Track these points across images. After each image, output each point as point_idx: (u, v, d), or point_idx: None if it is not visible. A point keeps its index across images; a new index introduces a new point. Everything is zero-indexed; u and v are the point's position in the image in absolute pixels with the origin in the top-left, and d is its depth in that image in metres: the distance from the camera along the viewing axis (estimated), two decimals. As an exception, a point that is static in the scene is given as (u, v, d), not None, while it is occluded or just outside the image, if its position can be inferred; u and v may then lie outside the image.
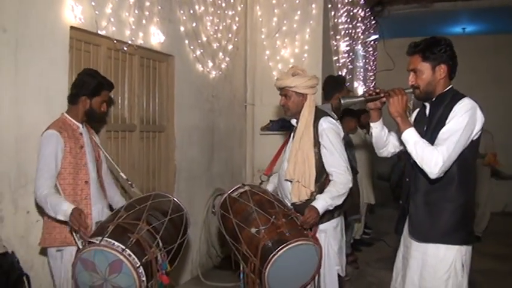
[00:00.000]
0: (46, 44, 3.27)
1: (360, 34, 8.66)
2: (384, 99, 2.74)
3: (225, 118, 5.92)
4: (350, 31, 7.84)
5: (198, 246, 5.29)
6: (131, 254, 2.60)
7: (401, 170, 5.94)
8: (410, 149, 2.58)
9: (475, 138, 2.60)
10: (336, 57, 7.07)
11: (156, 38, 4.45)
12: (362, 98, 2.86)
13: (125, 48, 4.07)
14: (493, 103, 8.92)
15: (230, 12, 5.90)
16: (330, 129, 3.25)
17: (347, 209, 3.60)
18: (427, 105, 2.78)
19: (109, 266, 2.56)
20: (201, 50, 5.27)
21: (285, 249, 2.80)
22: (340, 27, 7.23)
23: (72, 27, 3.46)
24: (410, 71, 2.73)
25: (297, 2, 6.26)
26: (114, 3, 3.85)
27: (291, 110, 3.37)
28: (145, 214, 2.88)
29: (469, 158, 2.62)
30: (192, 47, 5.09)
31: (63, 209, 2.75)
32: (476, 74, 9.46)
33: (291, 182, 3.30)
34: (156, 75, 4.73)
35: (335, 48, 7.00)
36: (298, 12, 6.23)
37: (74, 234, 2.77)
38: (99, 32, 3.71)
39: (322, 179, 3.28)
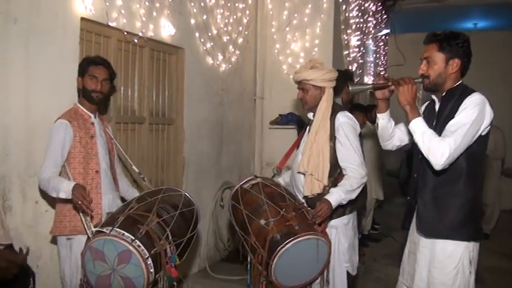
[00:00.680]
0: (56, 35, 3.28)
1: (371, 28, 8.61)
2: (393, 87, 2.72)
3: (234, 112, 5.91)
4: (361, 25, 7.79)
5: (206, 239, 5.30)
6: (140, 245, 2.61)
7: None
8: (417, 138, 2.56)
9: (483, 133, 2.58)
10: (347, 52, 7.03)
11: (166, 30, 4.45)
12: (370, 86, 2.86)
13: (135, 41, 4.07)
14: (503, 99, 8.86)
15: (241, 5, 5.88)
16: (347, 123, 3.25)
17: (361, 206, 3.59)
18: (436, 100, 2.75)
19: (118, 256, 2.58)
20: (211, 43, 5.26)
21: (292, 242, 2.79)
22: (351, 21, 7.19)
23: (82, 19, 3.47)
24: (423, 59, 2.70)
25: (308, -5, 6.22)
26: (124, -5, 3.85)
27: (308, 103, 3.36)
28: (156, 207, 2.89)
29: (477, 153, 2.60)
30: (202, 40, 5.09)
31: (65, 185, 2.78)
32: (487, 70, 9.35)
33: (304, 174, 3.29)
34: (166, 67, 4.72)
35: (346, 42, 6.95)
36: (309, 6, 6.19)
37: (83, 221, 2.78)
38: (110, 24, 3.71)
39: (336, 173, 3.27)
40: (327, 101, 3.30)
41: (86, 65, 3.13)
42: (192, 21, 4.89)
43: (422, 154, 2.59)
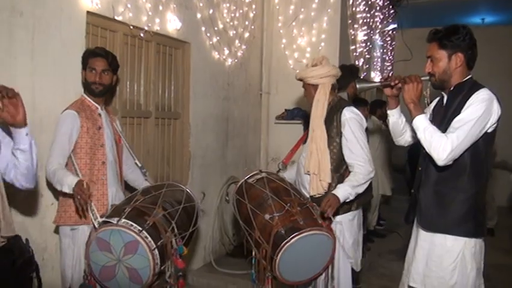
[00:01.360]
0: (62, 28, 3.29)
1: (378, 23, 8.56)
2: (400, 85, 2.72)
3: (240, 106, 5.91)
4: (368, 20, 7.75)
5: (211, 233, 5.32)
6: (148, 236, 2.63)
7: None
8: (420, 135, 2.58)
9: (490, 130, 2.57)
10: (353, 47, 7.00)
11: (172, 24, 4.44)
12: (378, 83, 2.88)
13: (142, 35, 4.07)
14: (511, 94, 8.79)
15: (247, 0, 5.86)
16: (353, 119, 3.23)
17: (366, 202, 3.58)
18: (445, 95, 2.75)
19: (124, 246, 2.59)
20: (217, 38, 5.25)
21: (297, 237, 2.79)
22: (358, 16, 7.15)
23: (88, 13, 3.47)
24: (427, 57, 2.71)
25: (315, -10, 6.20)
26: (130, -11, 3.85)
27: (308, 101, 3.40)
28: (160, 200, 2.92)
29: (482, 149, 2.59)
30: (208, 34, 5.08)
31: (69, 180, 2.79)
32: (495, 65, 9.29)
33: (309, 174, 3.30)
34: (172, 62, 4.72)
35: (352, 37, 6.92)
36: (316, 1, 6.15)
37: (90, 212, 2.79)
38: (116, 18, 3.72)
39: (342, 170, 3.29)
40: (321, 98, 3.29)
41: (86, 58, 3.16)
42: (198, 15, 4.88)
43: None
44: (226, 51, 5.48)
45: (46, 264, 3.24)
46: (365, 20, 7.53)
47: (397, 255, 5.07)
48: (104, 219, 2.71)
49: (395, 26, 9.72)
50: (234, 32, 5.62)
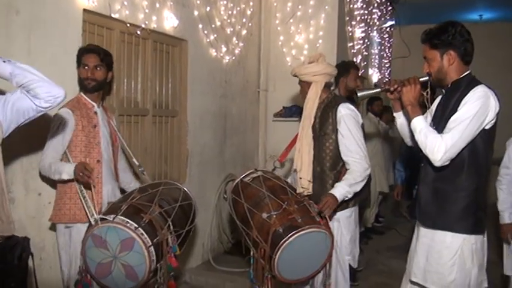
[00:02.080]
0: (59, 26, 3.28)
1: (375, 20, 8.55)
2: (399, 89, 2.74)
3: (237, 104, 5.90)
4: (366, 17, 7.74)
5: (209, 231, 5.31)
6: (144, 233, 2.63)
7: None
8: (417, 136, 2.60)
9: (487, 127, 2.56)
10: (351, 44, 6.99)
11: (169, 22, 4.43)
12: (378, 90, 2.87)
13: (138, 32, 4.06)
14: (509, 91, 8.79)
15: (244, -3, 5.85)
16: (349, 115, 3.23)
17: (364, 199, 3.59)
18: (444, 91, 2.76)
19: (120, 243, 2.60)
20: (215, 35, 5.24)
21: (296, 235, 2.78)
22: (356, 13, 7.14)
23: (85, 10, 3.46)
24: (424, 58, 2.74)
25: (312, -13, 6.18)
26: (127, -14, 3.83)
27: (302, 98, 3.42)
28: (157, 198, 2.92)
29: (480, 146, 2.59)
30: (205, 32, 5.07)
31: (68, 167, 2.83)
32: (493, 62, 9.31)
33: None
34: (169, 59, 4.71)
35: (350, 34, 6.91)
36: (313, -2, 6.16)
37: (86, 208, 2.79)
38: (113, 16, 3.70)
39: (339, 167, 3.29)
40: (312, 97, 3.31)
41: (80, 55, 3.16)
42: (196, 12, 4.87)
43: None
44: (224, 49, 5.47)
45: (43, 264, 3.23)
46: (363, 17, 7.52)
47: (396, 252, 5.08)
48: (100, 216, 2.70)
49: (393, 23, 9.71)
50: (232, 29, 5.61)
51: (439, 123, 2.64)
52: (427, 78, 2.72)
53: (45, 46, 3.18)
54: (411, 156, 2.86)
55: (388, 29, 9.87)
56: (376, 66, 8.97)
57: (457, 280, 2.63)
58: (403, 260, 3.04)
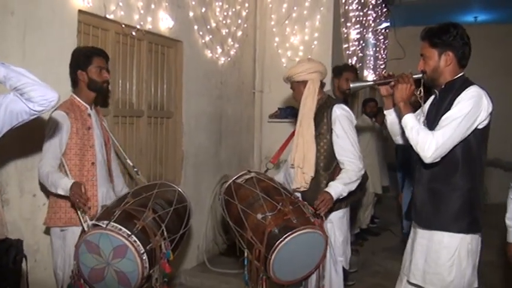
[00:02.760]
0: (54, 27, 3.27)
1: (370, 22, 8.57)
2: (393, 83, 2.74)
3: (233, 105, 5.90)
4: (361, 18, 7.75)
5: (204, 232, 5.30)
6: (136, 240, 2.63)
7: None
8: (408, 133, 2.61)
9: (480, 127, 2.58)
10: (346, 45, 7.00)
11: (164, 23, 4.42)
12: (371, 82, 2.89)
13: (133, 33, 4.05)
14: (504, 93, 8.82)
15: (239, -2, 5.86)
16: (343, 116, 3.26)
17: (356, 200, 3.61)
18: (437, 92, 2.76)
19: (113, 250, 2.59)
20: (210, 36, 5.23)
21: (291, 236, 2.78)
22: (351, 14, 7.15)
23: (80, 11, 3.45)
24: (421, 55, 2.74)
25: (307, -12, 6.19)
26: (122, -13, 3.82)
27: (297, 99, 3.43)
28: (151, 202, 2.91)
29: (474, 146, 2.60)
30: (201, 33, 5.06)
31: (64, 183, 2.79)
32: (488, 64, 9.33)
33: (293, 168, 3.33)
34: (164, 60, 4.70)
35: (345, 35, 6.92)
36: (309, -1, 6.17)
37: (79, 214, 2.78)
38: (108, 16, 3.69)
39: (332, 167, 3.30)
40: (310, 94, 3.32)
41: (89, 57, 3.10)
42: (191, 13, 4.86)
43: None
44: (219, 50, 5.47)
45: (38, 266, 3.22)
46: (358, 19, 7.54)
47: (391, 253, 5.09)
48: (93, 222, 2.69)
49: (388, 24, 9.74)
50: (227, 30, 5.61)
51: (433, 123, 2.64)
52: (420, 75, 2.72)
53: (40, 47, 3.17)
54: (407, 161, 2.87)
55: (383, 31, 9.90)
56: (371, 67, 8.98)
57: (455, 280, 2.64)
58: (398, 261, 3.04)
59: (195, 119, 5.07)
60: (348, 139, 3.21)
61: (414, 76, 2.70)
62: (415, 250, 2.78)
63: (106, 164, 3.25)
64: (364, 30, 8.15)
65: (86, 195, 2.75)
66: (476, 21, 10.46)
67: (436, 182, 2.67)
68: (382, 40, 9.96)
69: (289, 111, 6.06)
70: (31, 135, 3.07)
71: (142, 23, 4.09)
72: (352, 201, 3.49)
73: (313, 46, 6.12)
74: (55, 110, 2.99)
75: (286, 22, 6.28)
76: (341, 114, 3.25)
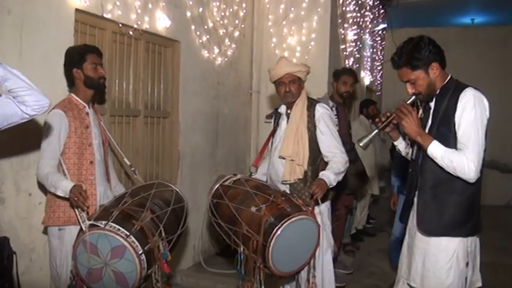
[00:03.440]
0: (51, 26, 3.26)
1: (368, 23, 8.58)
2: (395, 121, 2.74)
3: (229, 105, 5.90)
4: (358, 20, 7.76)
5: (200, 232, 5.30)
6: (135, 240, 2.62)
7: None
8: (440, 163, 2.57)
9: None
10: (343, 46, 7.01)
11: (162, 22, 4.42)
12: (376, 131, 2.82)
13: (131, 33, 4.04)
14: (501, 95, 8.86)
15: (237, -2, 5.85)
16: (327, 114, 3.48)
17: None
18: (434, 99, 2.75)
19: (111, 250, 2.58)
20: (207, 36, 5.23)
21: (288, 222, 2.85)
22: (348, 15, 7.16)
23: (77, 10, 3.44)
24: (405, 82, 2.69)
25: (305, -11, 6.19)
26: (119, -13, 3.82)
27: (296, 95, 3.51)
28: (149, 202, 2.90)
29: None
30: (198, 33, 5.06)
31: (64, 184, 2.79)
32: (485, 66, 9.38)
33: (284, 159, 3.43)
34: (161, 60, 4.70)
35: (342, 36, 6.93)
36: (306, 0, 6.16)
37: (77, 214, 2.77)
38: (105, 16, 3.69)
39: (317, 163, 3.45)
40: (303, 93, 3.51)
41: (83, 54, 3.09)
42: (188, 13, 4.86)
43: (417, 152, 2.68)
44: (216, 50, 5.46)
45: (34, 265, 3.21)
46: (355, 20, 7.54)
47: (387, 254, 5.08)
48: (91, 222, 2.69)
49: (385, 25, 9.75)
50: (224, 30, 5.61)
51: (430, 129, 2.65)
52: (414, 98, 2.69)
53: (37, 46, 3.16)
54: (404, 164, 2.88)
55: (380, 32, 9.91)
56: (368, 68, 8.99)
57: (453, 283, 2.64)
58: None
59: (191, 118, 5.07)
60: (332, 136, 3.42)
61: (408, 102, 2.67)
62: (414, 254, 2.78)
63: (104, 162, 3.25)
64: (361, 32, 8.16)
65: (85, 193, 2.74)
66: (473, 23, 10.49)
67: (440, 188, 2.66)
68: (379, 41, 9.97)
69: (286, 112, 6.05)
70: (27, 134, 3.07)
71: (139, 22, 4.08)
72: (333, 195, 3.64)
73: (310, 47, 6.12)
74: (53, 108, 2.98)
75: (284, 23, 6.28)
76: (324, 112, 3.46)
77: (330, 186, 3.25)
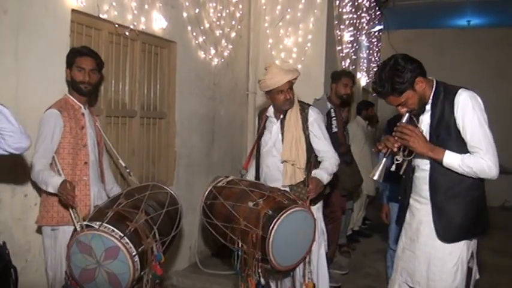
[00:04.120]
0: (47, 26, 3.25)
1: (364, 24, 8.59)
2: (397, 146, 2.65)
3: (226, 106, 5.90)
4: (354, 21, 7.77)
5: (196, 233, 5.30)
6: (128, 242, 2.63)
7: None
8: (460, 171, 2.57)
9: None
10: (340, 47, 7.02)
11: (158, 23, 4.42)
12: (384, 160, 2.68)
13: (127, 33, 4.04)
14: (497, 96, 8.88)
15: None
16: (319, 118, 3.59)
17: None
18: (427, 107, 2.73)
19: (105, 251, 2.59)
20: (204, 37, 5.23)
21: (286, 214, 2.89)
22: (345, 16, 7.17)
23: (73, 11, 3.44)
24: (396, 106, 2.66)
25: (301, -10, 6.20)
26: (116, -13, 3.81)
27: (293, 101, 3.54)
28: (144, 204, 2.90)
29: None
30: (194, 34, 5.06)
31: (54, 181, 2.79)
32: (481, 67, 9.40)
33: (285, 162, 3.47)
34: (157, 61, 4.70)
35: (339, 38, 6.94)
36: (302, 1, 6.16)
37: (72, 214, 2.76)
38: (101, 16, 3.69)
39: (310, 164, 3.53)
40: (296, 97, 3.58)
41: (73, 56, 3.11)
42: (184, 14, 4.86)
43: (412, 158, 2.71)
44: (213, 51, 5.47)
45: (29, 267, 3.20)
46: (351, 21, 7.55)
47: (383, 255, 5.09)
48: (86, 222, 2.69)
49: (381, 27, 9.77)
50: (221, 31, 5.61)
51: (438, 135, 2.63)
52: (408, 115, 2.65)
53: (33, 46, 3.16)
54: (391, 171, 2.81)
55: (376, 33, 9.92)
56: (365, 70, 9.01)
57: (460, 283, 2.67)
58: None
59: (187, 119, 5.07)
60: (325, 140, 3.54)
61: (404, 120, 2.64)
62: (418, 257, 2.76)
63: (98, 163, 3.25)
64: (358, 33, 8.17)
65: (73, 191, 2.73)
66: (469, 25, 10.52)
67: (451, 191, 2.65)
68: (375, 43, 9.98)
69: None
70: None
71: (135, 23, 4.08)
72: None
73: (306, 48, 6.13)
74: (49, 108, 2.99)
75: (280, 24, 6.29)
76: (317, 116, 3.56)
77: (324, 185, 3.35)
